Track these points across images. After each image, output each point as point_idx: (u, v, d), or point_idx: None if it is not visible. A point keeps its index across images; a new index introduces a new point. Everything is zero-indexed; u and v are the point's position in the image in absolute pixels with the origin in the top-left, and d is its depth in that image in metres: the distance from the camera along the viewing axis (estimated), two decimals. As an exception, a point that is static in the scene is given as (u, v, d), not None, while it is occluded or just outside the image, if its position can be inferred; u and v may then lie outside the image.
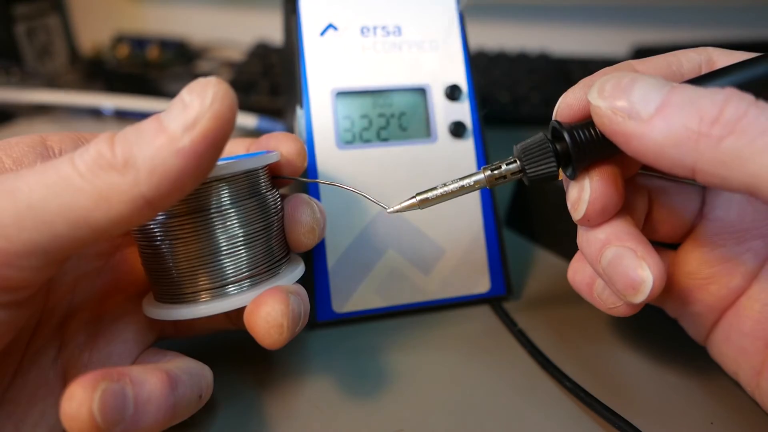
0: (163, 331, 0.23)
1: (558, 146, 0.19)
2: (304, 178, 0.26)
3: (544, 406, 0.22)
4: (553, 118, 0.20)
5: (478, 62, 0.56)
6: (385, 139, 0.27)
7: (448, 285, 0.27)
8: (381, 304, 0.26)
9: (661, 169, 0.16)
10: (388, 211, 0.21)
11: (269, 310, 0.18)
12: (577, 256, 0.22)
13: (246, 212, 0.20)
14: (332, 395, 0.23)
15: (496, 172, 0.20)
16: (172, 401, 0.18)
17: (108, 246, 0.22)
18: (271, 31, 0.58)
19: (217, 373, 0.21)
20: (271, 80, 0.54)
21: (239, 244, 0.19)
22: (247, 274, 0.20)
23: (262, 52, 0.59)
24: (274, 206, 0.21)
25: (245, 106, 0.52)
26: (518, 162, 0.20)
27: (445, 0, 0.29)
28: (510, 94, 0.51)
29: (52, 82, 0.59)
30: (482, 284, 0.28)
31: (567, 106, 0.20)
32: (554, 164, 0.19)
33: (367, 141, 0.27)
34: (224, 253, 0.19)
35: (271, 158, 0.21)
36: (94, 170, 0.15)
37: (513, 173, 0.20)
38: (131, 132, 0.16)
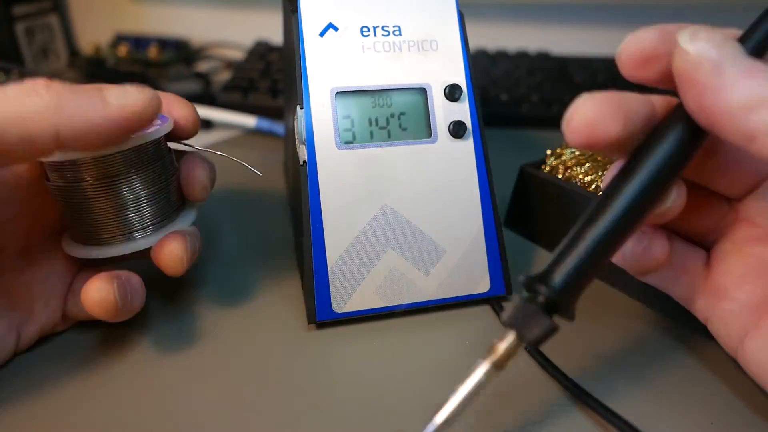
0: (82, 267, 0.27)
1: (541, 300, 0.18)
2: (187, 146, 0.28)
3: (544, 404, 0.22)
4: (619, 56, 0.20)
5: (478, 62, 0.56)
6: (385, 139, 0.27)
7: (448, 285, 0.27)
8: (381, 304, 0.26)
9: (717, 130, 0.16)
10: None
11: (171, 248, 0.24)
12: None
13: (147, 175, 0.24)
14: (331, 395, 0.23)
15: (498, 356, 0.18)
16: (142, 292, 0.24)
17: (25, 193, 0.24)
18: (271, 31, 0.58)
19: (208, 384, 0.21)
20: (270, 80, 0.54)
21: (143, 201, 0.24)
22: (150, 222, 0.25)
23: (261, 51, 0.59)
24: (171, 167, 0.26)
25: (245, 106, 0.52)
26: (514, 334, 0.18)
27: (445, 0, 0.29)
28: (510, 94, 0.51)
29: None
30: (482, 284, 0.28)
31: (637, 43, 0.19)
32: (548, 321, 0.18)
33: (367, 141, 0.27)
34: (131, 208, 0.24)
35: (165, 129, 0.25)
36: (26, 92, 0.19)
37: (514, 347, 0.18)
38: (69, 86, 0.20)
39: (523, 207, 0.34)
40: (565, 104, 0.56)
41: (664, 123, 0.19)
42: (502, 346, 0.18)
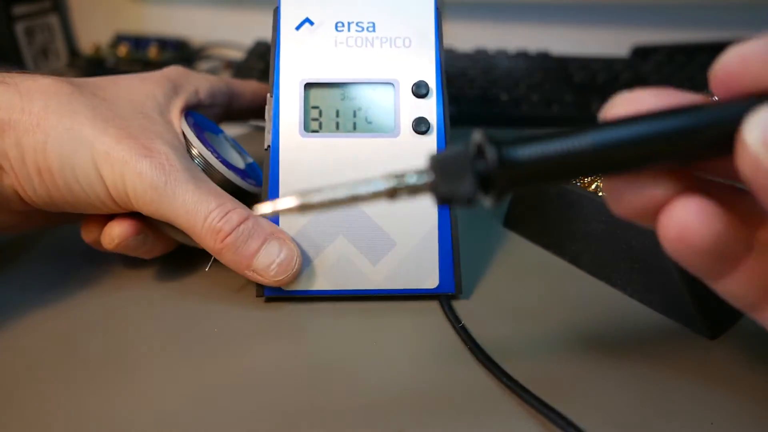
0: None
1: (482, 163, 0.16)
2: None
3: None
4: (714, 74, 0.16)
5: (478, 62, 0.56)
6: (350, 131, 0.29)
7: (396, 277, 0.28)
8: (328, 287, 0.28)
9: None
10: (259, 213, 0.18)
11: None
12: None
13: None
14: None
15: (400, 182, 0.16)
16: None
17: None
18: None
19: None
20: (270, 80, 0.54)
21: None
22: None
23: (261, 51, 0.59)
24: None
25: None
26: (430, 175, 0.16)
27: None
28: (510, 94, 0.51)
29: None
30: (431, 280, 0.28)
31: (741, 59, 0.15)
32: (471, 185, 0.16)
33: (332, 131, 0.28)
34: None
35: None
36: (212, 232, 0.26)
37: (419, 187, 0.16)
38: (238, 240, 0.26)
39: (523, 207, 0.34)
40: (565, 104, 0.56)
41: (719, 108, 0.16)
42: (411, 180, 0.16)
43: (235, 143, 0.34)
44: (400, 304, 0.28)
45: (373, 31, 0.29)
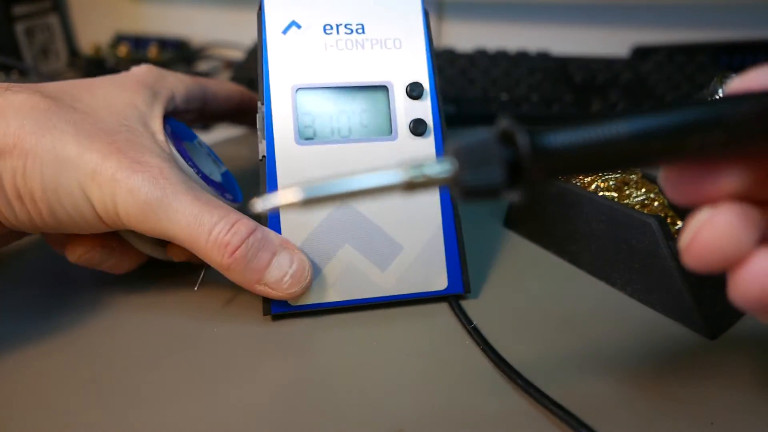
0: None
1: (511, 150, 0.14)
2: None
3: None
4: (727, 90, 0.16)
5: (478, 62, 0.56)
6: (346, 136, 0.28)
7: (405, 281, 0.27)
8: (336, 298, 0.27)
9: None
10: (255, 210, 0.15)
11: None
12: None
13: None
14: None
15: (418, 173, 0.14)
16: None
17: None
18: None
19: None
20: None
21: None
22: None
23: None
24: None
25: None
26: (453, 164, 0.14)
27: None
28: (510, 94, 0.51)
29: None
30: (439, 282, 0.28)
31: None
32: (500, 176, 0.14)
33: (327, 137, 0.27)
34: None
35: None
36: (219, 247, 0.24)
37: (440, 179, 0.14)
38: (248, 254, 0.24)
39: (523, 207, 0.34)
40: (565, 104, 0.56)
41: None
42: (431, 171, 0.14)
43: (210, 150, 0.33)
44: (407, 309, 0.28)
45: (363, 32, 0.28)
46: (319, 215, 0.27)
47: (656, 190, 0.31)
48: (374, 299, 0.27)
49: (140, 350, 0.25)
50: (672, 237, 0.27)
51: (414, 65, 0.29)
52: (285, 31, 0.28)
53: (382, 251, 0.27)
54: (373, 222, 0.27)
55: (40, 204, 0.23)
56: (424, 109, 0.28)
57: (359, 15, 0.29)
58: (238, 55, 0.69)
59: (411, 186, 0.14)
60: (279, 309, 0.26)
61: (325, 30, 0.28)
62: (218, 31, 0.77)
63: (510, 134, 0.14)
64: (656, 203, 0.30)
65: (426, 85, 0.29)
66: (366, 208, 0.27)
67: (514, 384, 0.23)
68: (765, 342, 0.25)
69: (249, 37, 0.65)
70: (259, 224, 0.25)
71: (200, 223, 0.23)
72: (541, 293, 0.29)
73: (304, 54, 0.28)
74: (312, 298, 0.26)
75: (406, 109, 0.28)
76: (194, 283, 0.28)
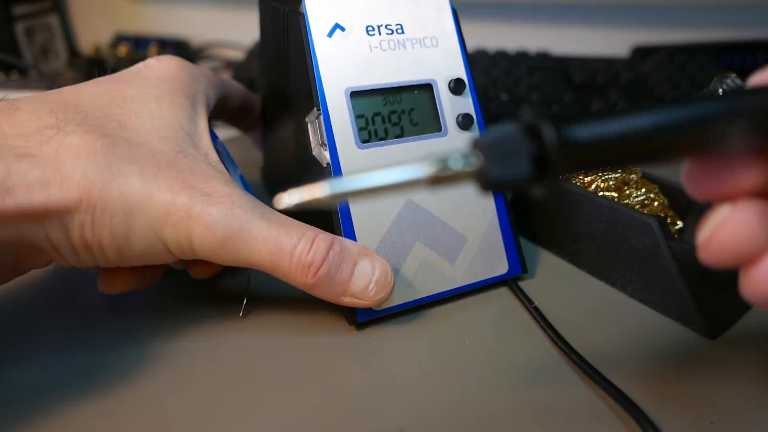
0: None
1: (536, 144, 0.14)
2: None
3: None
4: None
5: (478, 62, 0.56)
6: (399, 136, 0.28)
7: (473, 271, 0.28)
8: (415, 296, 0.27)
9: None
10: (285, 204, 0.15)
11: None
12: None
13: None
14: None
15: (444, 166, 0.14)
16: None
17: None
18: (271, 30, 0.58)
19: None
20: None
21: None
22: None
23: (261, 52, 0.59)
24: None
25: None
26: (479, 158, 0.14)
27: None
28: (510, 94, 0.51)
29: (52, 82, 0.59)
30: (501, 266, 0.29)
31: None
32: (526, 169, 0.14)
33: (382, 138, 0.28)
34: None
35: None
36: (301, 268, 0.23)
37: (466, 173, 0.14)
38: (331, 271, 0.23)
39: (523, 207, 0.34)
40: (565, 104, 0.56)
41: None
42: (457, 165, 0.14)
43: (227, 152, 0.32)
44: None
45: (402, 33, 0.29)
46: (387, 218, 0.27)
47: (656, 190, 0.31)
48: (448, 292, 0.28)
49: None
50: (672, 237, 0.27)
51: (452, 62, 0.29)
52: (330, 34, 0.27)
53: (449, 244, 0.28)
54: (437, 217, 0.28)
55: (108, 251, 0.22)
56: (467, 104, 0.29)
57: (396, 16, 0.29)
58: (238, 55, 0.69)
59: (437, 180, 0.14)
60: (364, 317, 0.26)
61: (368, 31, 0.28)
62: (218, 31, 0.77)
63: (535, 127, 0.14)
64: (656, 203, 0.30)
65: (465, 80, 0.29)
66: (430, 204, 0.28)
67: (571, 361, 0.24)
68: (765, 342, 0.25)
69: (249, 37, 0.65)
70: (335, 236, 0.24)
71: (281, 247, 0.23)
72: (541, 293, 0.29)
73: (352, 56, 0.27)
74: (394, 300, 0.27)
75: (451, 105, 0.29)
76: (237, 309, 0.27)
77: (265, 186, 0.40)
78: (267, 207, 0.24)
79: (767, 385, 0.23)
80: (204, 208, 0.22)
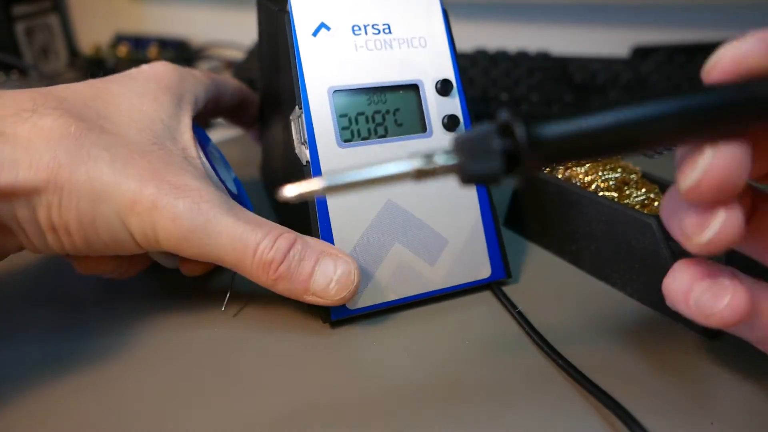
0: None
1: (509, 141, 0.15)
2: None
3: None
4: (707, 75, 0.18)
5: (478, 62, 0.56)
6: (383, 136, 0.28)
7: (453, 273, 0.28)
8: (392, 297, 0.27)
9: None
10: (284, 197, 0.16)
11: None
12: (676, 266, 0.20)
13: None
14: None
15: (428, 162, 0.16)
16: None
17: None
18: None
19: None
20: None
21: None
22: None
23: (262, 51, 0.59)
24: None
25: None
26: (456, 155, 0.16)
27: None
28: (510, 94, 0.51)
29: (52, 82, 0.59)
30: (484, 270, 0.29)
31: (733, 62, 0.17)
32: (498, 165, 0.15)
33: (365, 138, 0.27)
34: None
35: None
36: (263, 265, 0.23)
37: (446, 168, 0.16)
38: (289, 269, 0.24)
39: (523, 207, 0.34)
40: (565, 104, 0.56)
41: None
42: (439, 160, 0.16)
43: (221, 154, 0.32)
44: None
45: (390, 32, 0.28)
46: (366, 218, 0.27)
47: (656, 190, 0.31)
48: (427, 294, 0.28)
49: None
50: (672, 237, 0.27)
51: (440, 63, 0.29)
52: (315, 33, 0.27)
53: (429, 246, 0.28)
54: (418, 218, 0.28)
55: (75, 235, 0.22)
56: (453, 105, 0.29)
57: (384, 15, 0.29)
58: (238, 55, 0.69)
59: (421, 174, 0.16)
60: (338, 315, 0.26)
61: (354, 31, 0.28)
62: (218, 31, 0.77)
63: (508, 126, 0.15)
64: (656, 203, 0.30)
65: (453, 81, 0.29)
66: (410, 205, 0.27)
67: (558, 367, 0.24)
68: (765, 342, 0.25)
69: (249, 37, 0.65)
70: (299, 235, 0.24)
71: (245, 244, 0.23)
72: (541, 295, 0.29)
73: (337, 55, 0.28)
74: (369, 300, 0.27)
75: (437, 106, 0.29)
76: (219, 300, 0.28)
77: (263, 183, 0.40)
78: (237, 204, 0.25)
79: (767, 385, 0.23)
80: (171, 200, 0.22)
